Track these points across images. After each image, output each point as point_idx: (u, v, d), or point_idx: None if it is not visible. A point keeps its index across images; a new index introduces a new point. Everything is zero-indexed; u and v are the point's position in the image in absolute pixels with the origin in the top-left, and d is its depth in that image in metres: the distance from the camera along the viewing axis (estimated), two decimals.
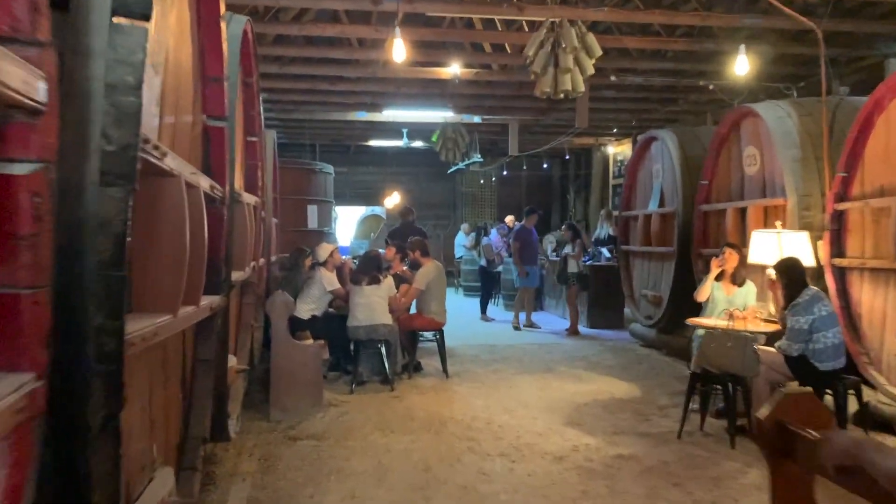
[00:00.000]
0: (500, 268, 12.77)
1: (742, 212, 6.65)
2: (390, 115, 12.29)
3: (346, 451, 4.63)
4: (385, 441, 4.85)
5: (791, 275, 4.88)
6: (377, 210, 21.73)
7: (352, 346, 6.64)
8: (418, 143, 15.12)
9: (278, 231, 8.26)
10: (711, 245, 7.28)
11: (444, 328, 7.11)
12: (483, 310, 11.48)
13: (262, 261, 6.38)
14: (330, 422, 5.33)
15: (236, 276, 4.19)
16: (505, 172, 16.64)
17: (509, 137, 13.14)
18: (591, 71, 6.44)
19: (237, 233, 4.05)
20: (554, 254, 12.37)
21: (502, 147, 16.05)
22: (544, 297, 12.49)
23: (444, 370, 7.01)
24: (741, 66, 7.10)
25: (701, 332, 5.80)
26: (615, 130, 13.48)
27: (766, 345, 5.27)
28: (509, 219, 14.29)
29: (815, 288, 4.89)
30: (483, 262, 11.81)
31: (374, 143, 15.96)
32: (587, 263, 10.64)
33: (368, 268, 6.66)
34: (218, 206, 3.16)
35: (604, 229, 11.25)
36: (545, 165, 16.91)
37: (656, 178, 8.51)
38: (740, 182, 6.80)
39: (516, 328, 10.26)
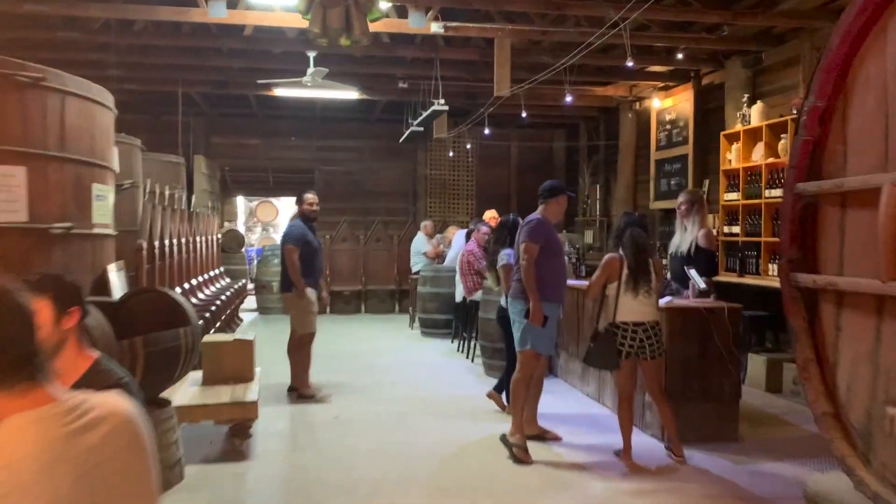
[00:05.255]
0: (477, 296, 7.14)
1: None
2: (268, 9, 6.46)
3: None
4: None
5: None
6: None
7: None
8: (343, 94, 9.20)
9: None
10: None
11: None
12: (501, 388, 5.41)
13: None
14: None
15: None
16: (487, 132, 10.38)
17: (495, 65, 7.33)
18: None
19: None
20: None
21: (481, 103, 10.22)
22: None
23: None
24: None
25: None
26: (680, 56, 7.67)
27: None
28: (490, 214, 8.51)
29: None
30: (503, 302, 5.17)
31: (280, 91, 9.96)
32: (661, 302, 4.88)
33: None
34: None
35: (688, 235, 5.44)
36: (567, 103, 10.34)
37: None
38: None
39: (518, 458, 4.31)
